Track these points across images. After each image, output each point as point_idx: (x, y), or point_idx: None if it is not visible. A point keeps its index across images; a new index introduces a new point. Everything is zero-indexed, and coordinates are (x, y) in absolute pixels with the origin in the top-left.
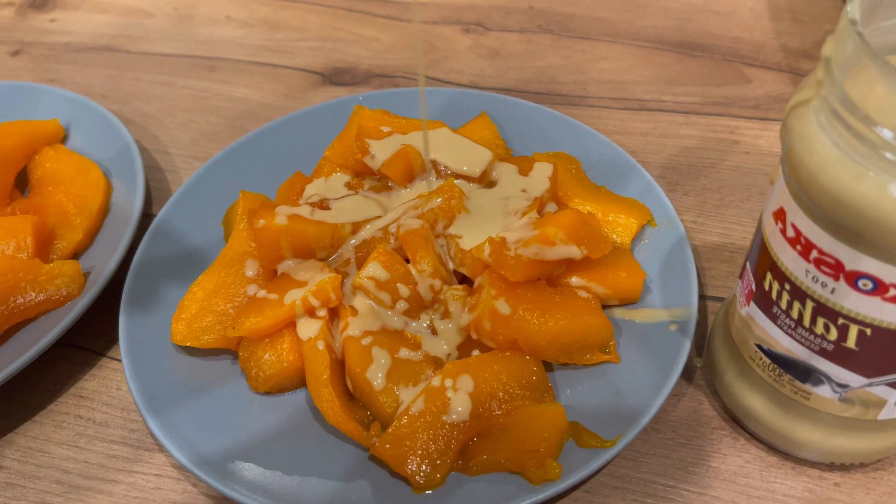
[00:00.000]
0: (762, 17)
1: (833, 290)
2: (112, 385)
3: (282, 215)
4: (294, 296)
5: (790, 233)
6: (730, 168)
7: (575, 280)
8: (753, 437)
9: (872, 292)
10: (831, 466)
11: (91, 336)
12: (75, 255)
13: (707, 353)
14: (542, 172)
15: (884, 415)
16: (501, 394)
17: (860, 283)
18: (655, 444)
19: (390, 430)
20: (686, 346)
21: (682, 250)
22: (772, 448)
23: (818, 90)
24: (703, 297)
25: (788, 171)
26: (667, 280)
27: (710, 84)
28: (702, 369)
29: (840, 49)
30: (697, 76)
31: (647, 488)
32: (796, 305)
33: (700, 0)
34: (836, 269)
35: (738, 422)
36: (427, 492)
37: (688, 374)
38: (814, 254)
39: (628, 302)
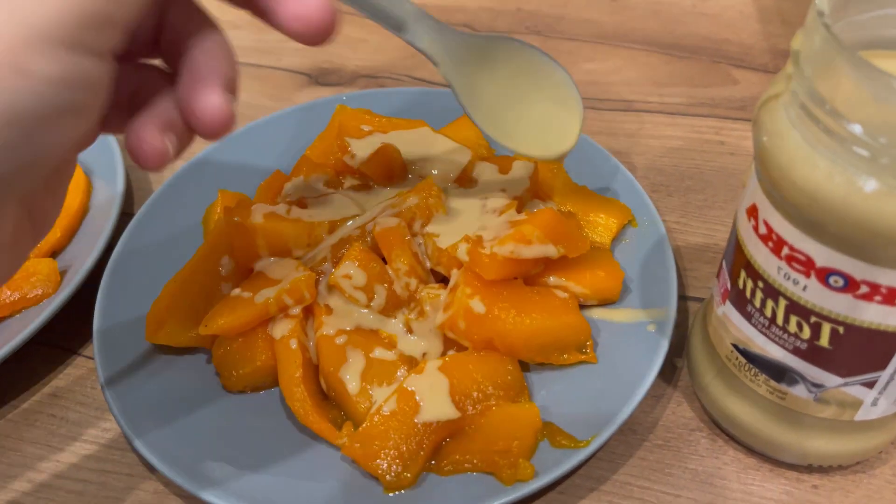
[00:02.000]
0: (751, 20)
1: (805, 288)
2: (86, 384)
3: (258, 213)
4: (267, 294)
5: (762, 230)
6: (714, 169)
7: (553, 279)
8: (732, 438)
9: (843, 289)
10: (809, 469)
11: (66, 334)
12: (53, 254)
13: (686, 353)
14: (521, 171)
15: (860, 416)
16: (476, 393)
17: (831, 279)
18: (633, 445)
19: (361, 429)
20: (664, 347)
21: (662, 250)
22: (750, 450)
23: (788, 84)
24: (685, 298)
25: (759, 167)
26: (646, 280)
27: (697, 85)
28: (682, 370)
29: (808, 42)
30: (684, 77)
31: (623, 490)
32: (769, 304)
33: (689, 2)
34: (807, 265)
35: (716, 423)
36: (398, 492)
37: (668, 376)
38: (785, 250)
39: (607, 302)
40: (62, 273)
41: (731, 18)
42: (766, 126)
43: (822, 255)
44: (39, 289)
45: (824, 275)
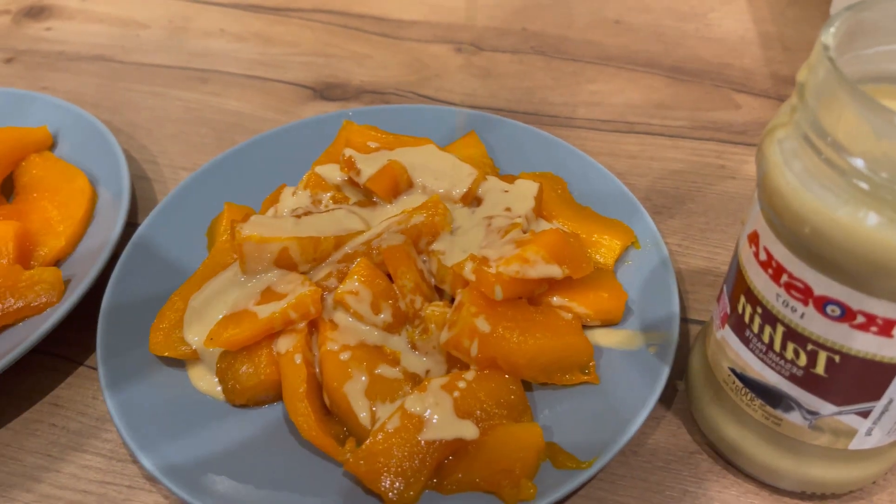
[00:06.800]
0: (752, 45)
1: (802, 315)
2: (88, 394)
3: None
4: (272, 308)
5: (762, 256)
6: (716, 193)
7: (556, 299)
8: (730, 462)
9: (840, 318)
10: (810, 495)
11: (69, 344)
12: (57, 263)
13: (686, 376)
14: (526, 191)
15: (855, 445)
16: (479, 412)
17: (828, 308)
18: (633, 467)
19: (364, 446)
20: (665, 370)
21: (664, 273)
22: (748, 475)
23: (792, 115)
24: (685, 321)
25: (762, 195)
26: (648, 302)
27: (699, 109)
28: (682, 392)
29: (813, 75)
30: (686, 100)
31: None
32: (767, 330)
33: (691, 26)
34: (805, 293)
35: (712, 447)
36: None
37: (668, 398)
38: (784, 278)
39: (610, 323)
40: (66, 282)
41: (733, 43)
42: (769, 155)
43: (821, 284)
44: (44, 297)
45: (822, 303)
